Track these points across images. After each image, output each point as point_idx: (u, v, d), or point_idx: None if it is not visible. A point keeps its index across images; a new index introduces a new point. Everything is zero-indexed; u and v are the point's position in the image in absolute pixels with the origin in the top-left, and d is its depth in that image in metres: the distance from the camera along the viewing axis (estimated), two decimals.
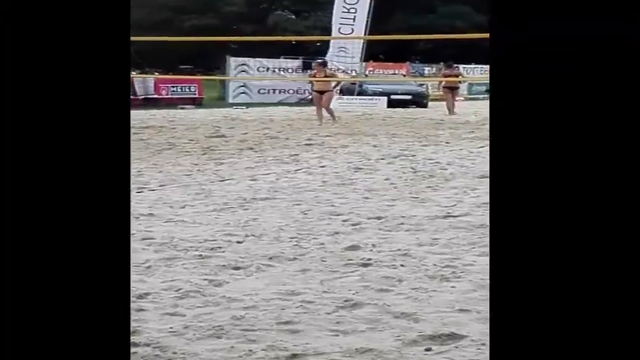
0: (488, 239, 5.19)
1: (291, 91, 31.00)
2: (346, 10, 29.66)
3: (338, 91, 21.94)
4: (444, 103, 22.93)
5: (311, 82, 19.48)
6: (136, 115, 18.47)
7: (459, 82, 25.17)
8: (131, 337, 2.77)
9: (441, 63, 33.94)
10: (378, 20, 34.74)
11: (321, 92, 17.91)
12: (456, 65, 26.10)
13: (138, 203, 6.75)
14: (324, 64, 19.45)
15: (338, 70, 31.39)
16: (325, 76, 18.46)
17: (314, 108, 18.79)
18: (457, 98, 23.60)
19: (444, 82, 23.85)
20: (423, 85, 30.75)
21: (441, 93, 25.90)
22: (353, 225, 5.80)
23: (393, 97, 26.96)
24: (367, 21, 29.38)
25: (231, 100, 29.22)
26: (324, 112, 17.89)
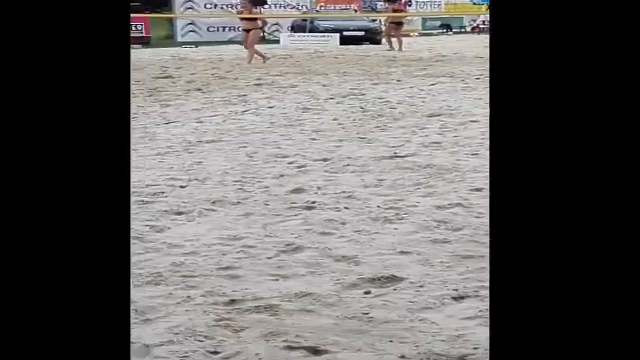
0: (432, 180, 5.29)
1: (241, 29, 30.62)
2: None
3: (263, 32, 21.70)
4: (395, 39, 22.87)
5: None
6: None
7: (403, 17, 25.18)
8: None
9: None
10: None
11: (247, 31, 17.73)
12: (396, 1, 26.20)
13: None
14: (256, 3, 19.14)
15: (288, 6, 31.16)
16: (250, 14, 18.22)
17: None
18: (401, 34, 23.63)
19: (389, 19, 24.00)
20: (375, 20, 30.56)
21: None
22: (298, 167, 5.82)
23: (345, 33, 26.80)
24: None
25: (180, 39, 28.86)
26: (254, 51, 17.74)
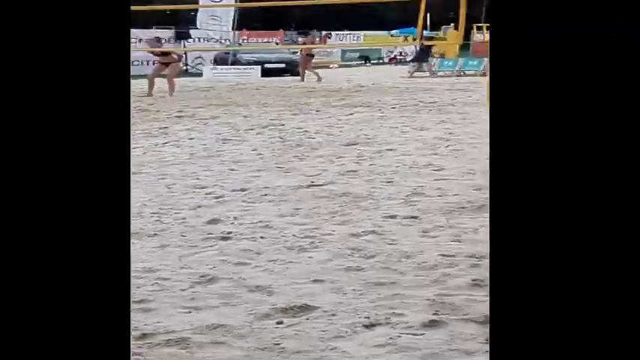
0: (348, 208, 5.27)
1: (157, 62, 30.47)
2: None
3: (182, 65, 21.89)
4: (318, 70, 23.08)
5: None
6: None
7: (313, 50, 25.67)
8: None
9: (314, 30, 34.09)
10: None
11: (166, 64, 17.73)
12: (312, 33, 27.90)
13: None
14: (158, 40, 19.21)
15: (212, 39, 31.07)
16: (162, 52, 18.26)
17: (187, 79, 18.52)
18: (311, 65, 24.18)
19: (303, 50, 24.54)
20: (296, 52, 30.72)
21: (316, 60, 26.13)
22: (216, 198, 5.74)
23: (267, 65, 26.85)
24: None
25: None
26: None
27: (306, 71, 23.14)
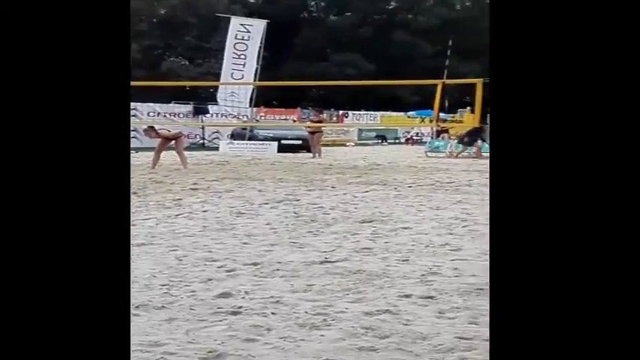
0: (362, 285, 5.13)
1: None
2: (236, 57, 29.64)
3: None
4: (335, 148, 23.25)
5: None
6: None
7: (321, 127, 26.18)
8: None
9: (332, 109, 34.46)
10: (270, 67, 34.94)
11: (168, 139, 17.97)
12: (317, 111, 28.23)
13: None
14: (152, 129, 19.21)
15: (230, 115, 31.38)
16: (157, 135, 18.33)
17: (204, 153, 18.56)
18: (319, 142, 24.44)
19: (309, 128, 25.11)
20: None
21: (333, 138, 26.42)
22: (228, 271, 5.62)
23: (283, 141, 26.99)
24: (257, 67, 29.44)
25: None
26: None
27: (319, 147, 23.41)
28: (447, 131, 29.51)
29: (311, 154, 23.41)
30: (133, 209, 9.57)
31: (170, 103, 32.74)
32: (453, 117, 38.33)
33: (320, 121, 26.56)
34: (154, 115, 30.75)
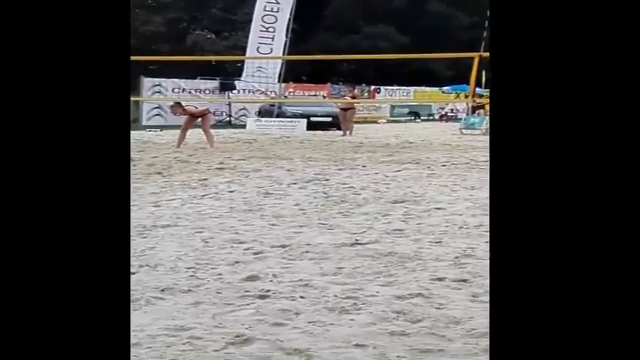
0: (393, 268, 5.17)
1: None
2: (264, 30, 29.66)
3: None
4: (366, 125, 23.25)
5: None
6: None
7: (354, 103, 26.01)
8: None
9: (363, 85, 34.29)
10: (299, 41, 34.84)
11: (195, 116, 17.92)
12: (350, 87, 28.23)
13: None
14: (179, 105, 18.96)
15: (257, 91, 31.39)
16: (184, 112, 18.27)
17: (230, 131, 18.61)
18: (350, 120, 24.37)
19: (339, 104, 24.97)
20: None
21: (364, 115, 26.25)
22: (255, 254, 5.68)
23: (312, 119, 26.98)
24: (286, 41, 29.42)
25: (144, 123, 28.78)
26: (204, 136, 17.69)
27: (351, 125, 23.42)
28: (483, 107, 29.25)
29: (341, 132, 23.40)
30: (157, 189, 9.69)
31: (195, 78, 32.78)
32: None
33: (354, 97, 26.65)
34: (178, 92, 30.80)
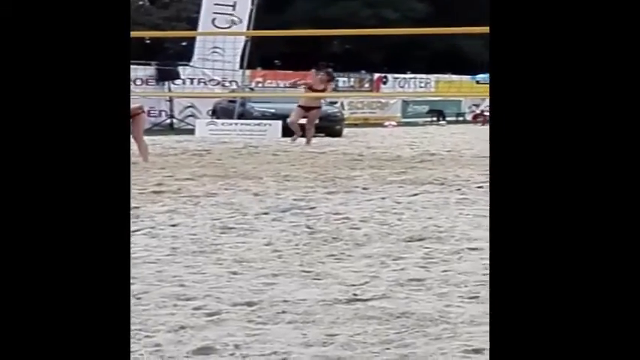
0: (410, 335, 5.13)
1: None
2: None
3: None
4: (368, 129, 23.25)
5: None
6: None
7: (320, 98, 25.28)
8: None
9: (362, 71, 34.17)
10: (271, 10, 34.91)
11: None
12: (328, 75, 25.88)
13: None
14: None
15: (211, 81, 31.40)
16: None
17: (172, 138, 18.51)
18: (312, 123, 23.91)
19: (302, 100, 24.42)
20: (336, 103, 30.83)
21: (365, 115, 25.68)
22: (209, 315, 5.67)
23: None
24: (251, 10, 29.51)
25: None
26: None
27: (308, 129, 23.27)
28: None
29: (291, 138, 23.59)
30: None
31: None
32: None
33: (324, 90, 24.98)
34: None
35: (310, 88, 24.30)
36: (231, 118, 28.50)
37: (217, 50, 30.32)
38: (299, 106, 24.01)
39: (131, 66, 31.83)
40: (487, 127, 28.91)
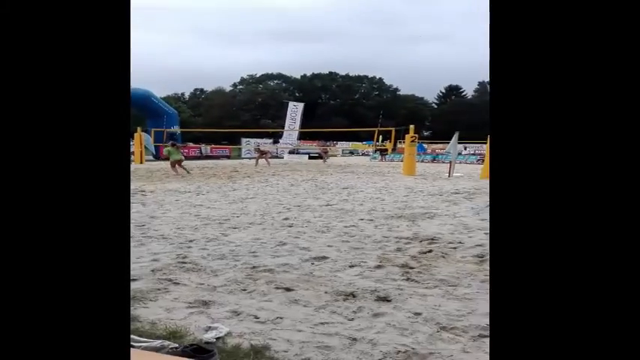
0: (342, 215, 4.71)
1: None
2: (291, 119, 29.59)
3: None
4: (332, 158, 20.92)
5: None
6: (203, 163, 17.47)
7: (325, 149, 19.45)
8: None
9: (330, 140, 32.71)
10: (305, 122, 34.43)
11: (262, 153, 16.82)
12: (324, 142, 22.09)
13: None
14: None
15: (288, 143, 31.00)
16: (260, 152, 15.79)
17: (279, 160, 18.02)
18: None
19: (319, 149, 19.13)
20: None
21: (333, 153, 24.59)
22: (287, 209, 5.10)
23: (310, 154, 26.24)
24: (300, 123, 29.18)
25: (243, 156, 28.25)
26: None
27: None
28: (379, 150, 27.98)
29: (322, 159, 21.63)
30: (244, 185, 8.43)
31: (263, 138, 32.32)
32: (383, 144, 36.24)
33: (326, 151, 21.36)
34: (257, 146, 30.10)
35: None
36: (294, 154, 27.83)
37: (290, 134, 29.87)
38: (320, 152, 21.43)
39: (262, 140, 31.47)
40: (366, 157, 24.57)
